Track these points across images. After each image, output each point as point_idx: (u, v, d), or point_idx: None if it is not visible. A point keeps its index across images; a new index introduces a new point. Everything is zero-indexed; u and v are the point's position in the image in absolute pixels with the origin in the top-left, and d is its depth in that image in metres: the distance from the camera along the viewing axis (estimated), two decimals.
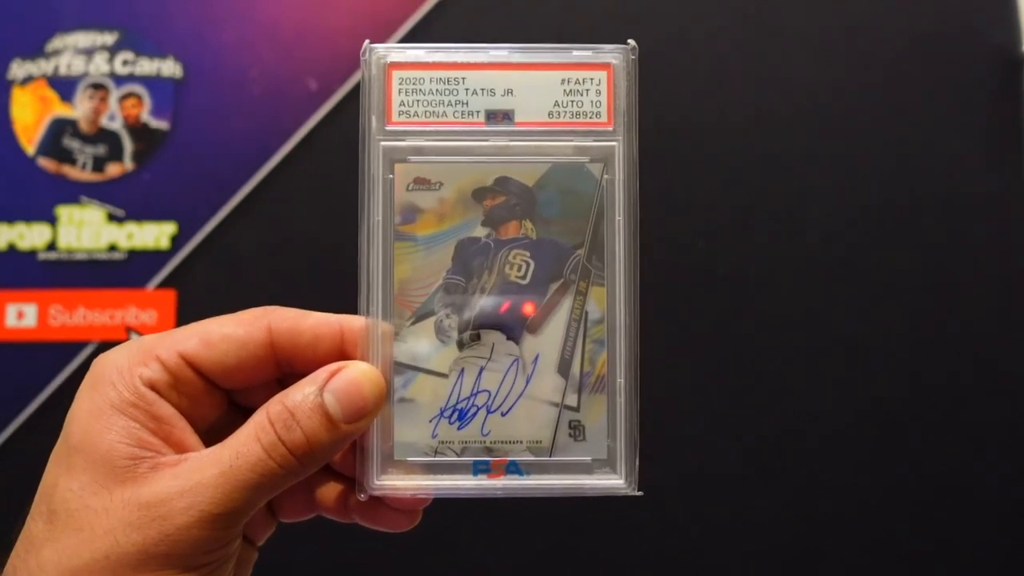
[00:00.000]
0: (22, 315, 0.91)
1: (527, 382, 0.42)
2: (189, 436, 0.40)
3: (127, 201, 0.94)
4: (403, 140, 0.42)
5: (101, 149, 0.95)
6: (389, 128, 0.42)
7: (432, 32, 0.95)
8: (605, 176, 0.42)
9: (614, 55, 0.42)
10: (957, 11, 0.95)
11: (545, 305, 0.42)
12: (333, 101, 0.95)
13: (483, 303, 0.42)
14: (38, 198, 0.94)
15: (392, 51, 0.42)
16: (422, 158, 0.42)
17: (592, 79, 0.42)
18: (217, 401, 0.42)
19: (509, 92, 0.42)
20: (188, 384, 0.41)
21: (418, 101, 0.42)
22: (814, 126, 0.93)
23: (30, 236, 0.93)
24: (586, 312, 0.42)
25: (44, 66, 0.95)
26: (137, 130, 0.95)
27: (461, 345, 0.42)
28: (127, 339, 0.90)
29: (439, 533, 0.83)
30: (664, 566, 0.88)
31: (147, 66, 0.96)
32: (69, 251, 0.93)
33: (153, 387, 0.40)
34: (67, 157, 0.94)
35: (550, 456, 0.42)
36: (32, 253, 0.92)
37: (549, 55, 0.42)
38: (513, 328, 0.42)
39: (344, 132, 0.94)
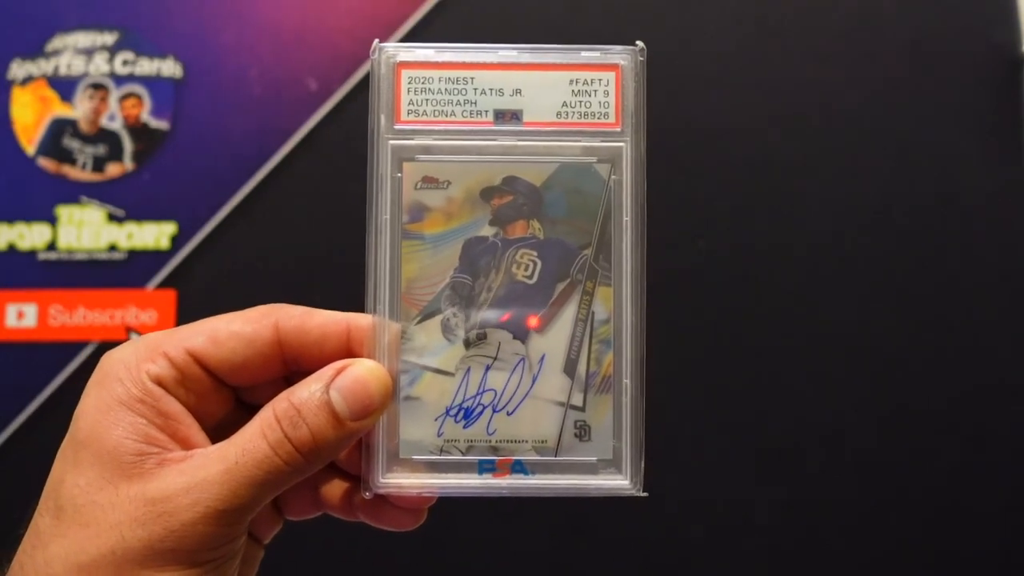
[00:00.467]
0: (22, 315, 0.91)
1: (533, 381, 0.42)
2: (195, 432, 0.40)
3: (127, 201, 0.94)
4: (412, 139, 0.42)
5: (101, 149, 0.95)
6: (398, 127, 0.42)
7: (432, 32, 0.95)
8: (612, 176, 0.42)
9: (622, 56, 0.42)
10: (957, 11, 0.95)
11: (551, 305, 0.42)
12: (333, 101, 0.95)
13: (486, 315, 0.42)
14: (38, 198, 0.94)
15: (401, 50, 0.42)
16: (430, 157, 0.42)
17: (600, 80, 0.42)
18: (223, 398, 0.42)
19: (518, 92, 0.42)
20: (195, 381, 0.41)
21: (427, 100, 0.42)
22: (814, 126, 0.93)
23: (30, 236, 0.92)
24: (592, 312, 0.42)
25: (44, 66, 0.95)
26: (137, 130, 0.95)
27: (467, 344, 0.42)
28: (127, 339, 0.90)
29: (444, 532, 0.84)
30: (668, 566, 0.88)
31: (147, 66, 0.96)
32: (69, 251, 0.92)
33: (160, 383, 0.40)
34: (67, 157, 0.94)
35: (555, 456, 0.42)
36: (32, 253, 0.92)
37: (558, 56, 0.42)
38: (519, 327, 0.42)
39: (344, 132, 0.94)
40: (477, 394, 0.42)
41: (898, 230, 0.92)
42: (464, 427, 0.42)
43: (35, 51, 0.96)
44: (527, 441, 0.42)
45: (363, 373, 0.40)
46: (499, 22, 0.96)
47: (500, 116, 0.42)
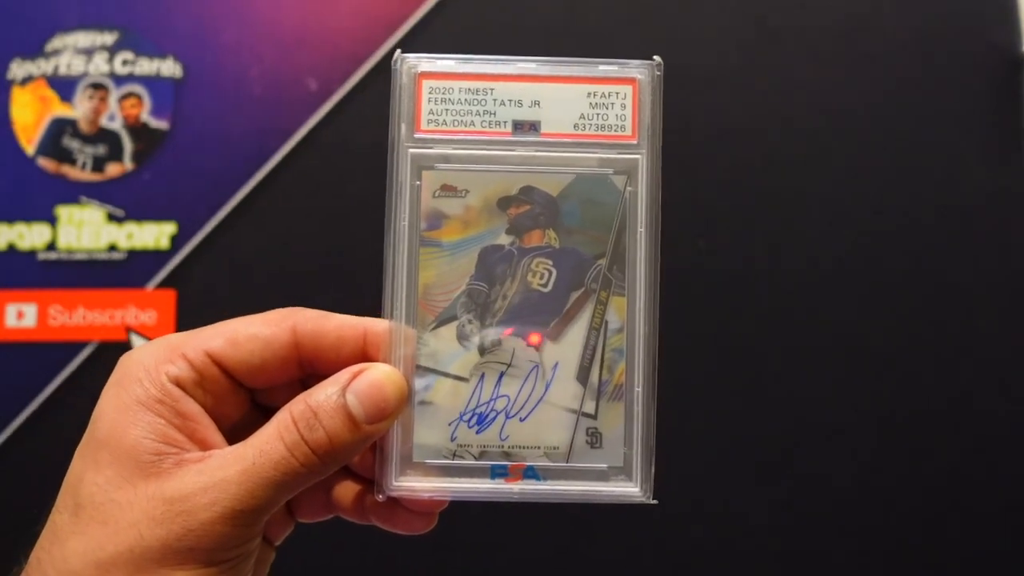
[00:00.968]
0: (22, 315, 0.91)
1: (546, 388, 0.43)
2: (213, 433, 0.41)
3: (127, 201, 0.94)
4: (431, 148, 0.43)
5: (101, 149, 0.95)
6: (418, 136, 0.43)
7: (432, 32, 0.95)
8: (628, 188, 0.43)
9: (640, 70, 0.43)
10: (957, 11, 0.95)
11: (566, 314, 0.43)
12: (333, 101, 0.95)
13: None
14: (38, 198, 0.93)
15: (423, 60, 0.43)
16: (449, 166, 0.43)
17: (618, 93, 0.43)
18: (240, 400, 0.43)
19: (536, 104, 0.43)
20: (213, 382, 0.41)
21: (447, 110, 0.43)
22: (814, 126, 0.94)
23: (30, 236, 0.92)
24: (606, 321, 0.43)
25: (44, 66, 0.95)
26: (137, 130, 0.95)
27: (482, 350, 0.43)
28: (127, 339, 0.91)
29: (455, 536, 0.84)
30: (672, 569, 0.88)
31: (147, 66, 0.96)
32: (69, 251, 0.92)
33: (179, 384, 0.40)
34: (67, 157, 0.94)
35: (567, 462, 0.43)
36: (32, 253, 0.92)
37: (576, 69, 0.43)
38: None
39: (344, 132, 0.94)
40: (491, 400, 0.42)
41: (898, 230, 0.92)
42: (477, 432, 0.43)
43: (35, 51, 0.96)
44: (539, 447, 0.43)
45: (379, 377, 0.41)
46: (499, 22, 0.95)
47: (518, 127, 0.43)
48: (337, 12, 0.96)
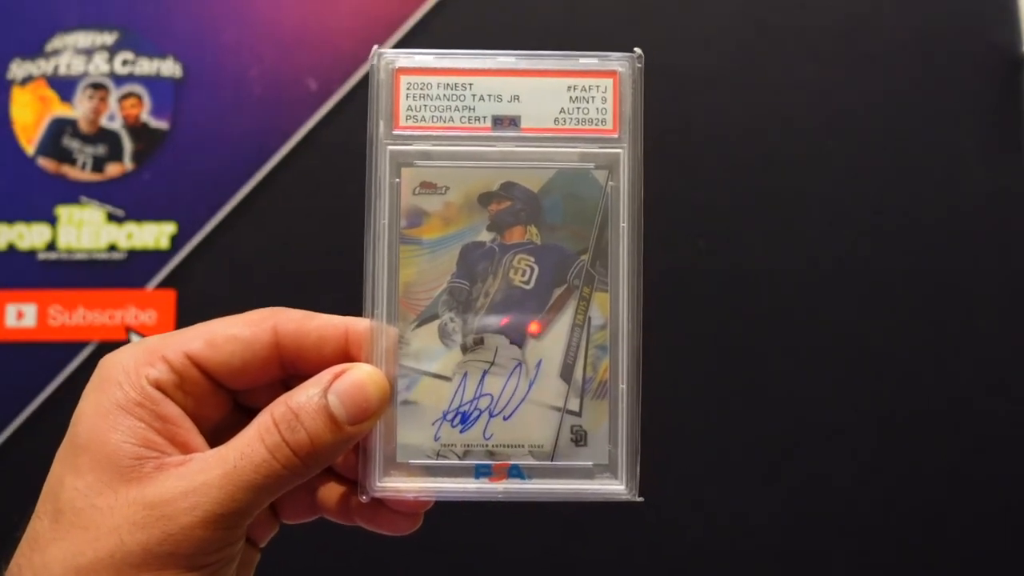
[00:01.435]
0: (22, 315, 0.91)
1: (530, 386, 0.42)
2: (194, 436, 0.40)
3: (127, 201, 0.94)
4: (410, 144, 0.42)
5: (101, 149, 0.95)
6: (396, 132, 0.42)
7: (432, 32, 0.95)
8: (610, 183, 0.42)
9: (620, 63, 0.42)
10: (957, 11, 0.95)
11: (548, 310, 0.42)
12: (333, 101, 0.95)
13: (483, 320, 0.42)
14: (38, 198, 0.94)
15: (400, 56, 0.42)
16: (429, 162, 0.42)
17: (598, 86, 0.42)
18: (221, 401, 0.43)
19: (516, 98, 0.42)
20: (194, 384, 0.41)
21: (425, 106, 0.42)
22: (814, 126, 0.93)
23: (30, 236, 0.93)
24: (589, 318, 0.42)
25: (44, 66, 0.95)
26: (137, 130, 0.95)
27: (465, 349, 0.42)
28: (127, 339, 0.91)
29: (440, 536, 0.84)
30: (664, 569, 0.88)
31: (147, 66, 0.96)
32: (69, 251, 0.93)
33: (159, 387, 0.40)
34: (67, 157, 0.94)
35: (552, 460, 0.42)
36: (32, 253, 0.92)
37: (556, 62, 0.42)
38: (517, 333, 0.42)
39: (344, 132, 0.94)
40: (474, 399, 0.42)
41: (898, 230, 0.92)
42: (461, 431, 0.42)
43: (35, 51, 0.96)
44: (524, 446, 0.42)
45: (361, 377, 0.41)
46: (499, 23, 0.95)
47: (498, 122, 0.42)
48: (337, 12, 0.96)
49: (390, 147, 0.42)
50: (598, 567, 0.88)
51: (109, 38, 0.96)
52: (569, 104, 0.42)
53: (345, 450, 0.41)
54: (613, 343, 0.42)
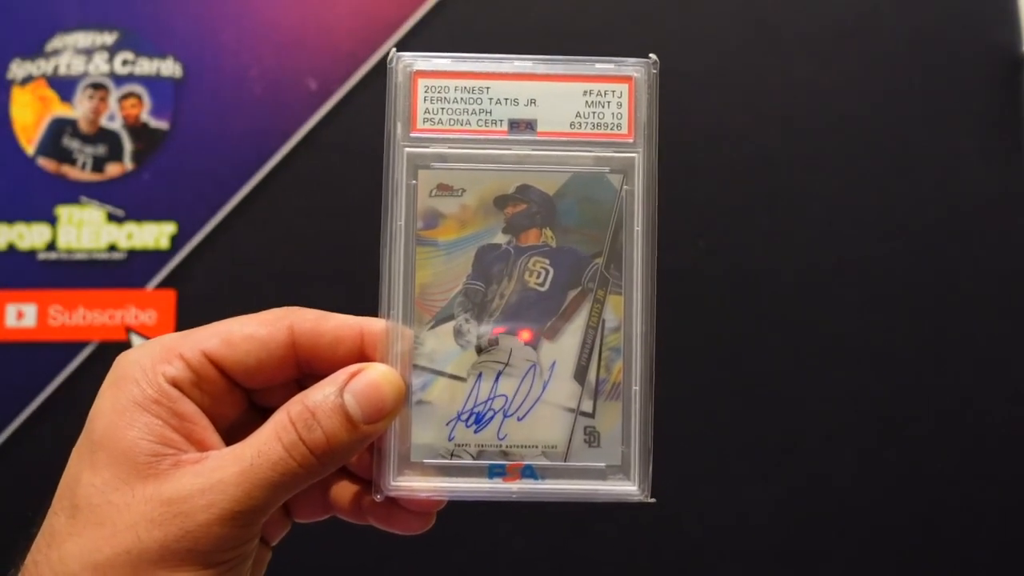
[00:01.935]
0: (22, 315, 0.91)
1: (544, 388, 0.43)
2: (210, 434, 0.41)
3: (127, 201, 0.94)
4: (427, 147, 0.43)
5: (101, 149, 0.95)
6: (414, 135, 0.43)
7: (432, 32, 0.95)
8: (625, 187, 0.43)
9: (636, 68, 0.43)
10: (957, 11, 0.95)
11: (563, 312, 0.43)
12: (333, 101, 0.95)
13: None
14: (38, 198, 0.94)
15: (418, 59, 0.43)
16: (445, 165, 0.43)
17: (614, 91, 0.43)
18: (237, 400, 0.43)
19: (532, 102, 0.43)
20: (210, 383, 0.41)
21: (443, 109, 0.43)
22: (814, 126, 0.94)
23: (30, 236, 0.92)
24: (603, 320, 0.43)
25: (44, 66, 0.95)
26: (137, 130, 0.95)
27: (479, 350, 0.43)
28: (127, 339, 0.91)
29: (452, 537, 0.84)
30: (671, 568, 0.88)
31: (147, 66, 0.96)
32: (69, 251, 0.93)
33: (176, 385, 0.40)
34: (67, 157, 0.94)
35: (565, 461, 0.43)
36: (32, 253, 0.92)
37: (572, 67, 0.43)
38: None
39: (344, 132, 0.94)
40: (488, 399, 0.42)
41: (898, 230, 0.92)
42: (475, 432, 0.42)
43: (35, 51, 0.96)
44: (537, 446, 0.43)
45: (377, 377, 0.41)
46: (499, 22, 0.96)
47: (514, 125, 0.43)
48: (337, 12, 0.96)
49: (407, 149, 0.43)
50: (598, 567, 0.89)
51: (109, 38, 0.96)
52: (585, 108, 0.43)
53: (360, 449, 0.42)
54: (627, 345, 0.43)
